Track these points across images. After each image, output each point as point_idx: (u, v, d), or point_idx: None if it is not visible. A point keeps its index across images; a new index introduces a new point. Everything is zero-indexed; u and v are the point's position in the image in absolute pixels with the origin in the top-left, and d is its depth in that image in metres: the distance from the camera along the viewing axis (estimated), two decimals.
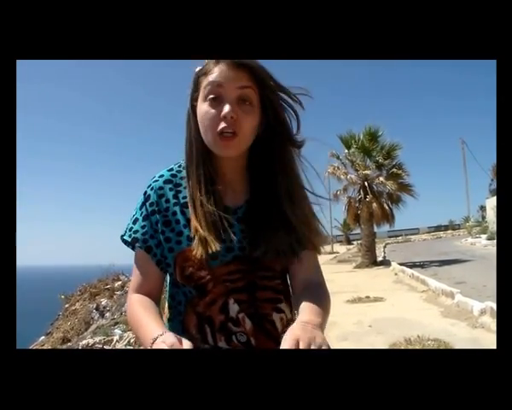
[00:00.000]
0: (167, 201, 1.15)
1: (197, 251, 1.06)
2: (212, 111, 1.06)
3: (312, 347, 0.88)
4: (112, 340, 7.41)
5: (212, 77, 1.07)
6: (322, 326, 1.00)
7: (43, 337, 11.88)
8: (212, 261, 1.08)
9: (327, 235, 1.29)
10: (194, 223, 1.09)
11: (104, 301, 12.59)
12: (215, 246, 1.06)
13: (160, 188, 1.16)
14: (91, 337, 8.25)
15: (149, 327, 1.01)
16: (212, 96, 1.07)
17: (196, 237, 1.07)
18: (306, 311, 1.03)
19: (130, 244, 1.17)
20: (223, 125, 1.05)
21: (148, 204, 1.15)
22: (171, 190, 1.16)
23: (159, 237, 1.14)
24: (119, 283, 13.79)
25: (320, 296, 1.11)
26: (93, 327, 10.57)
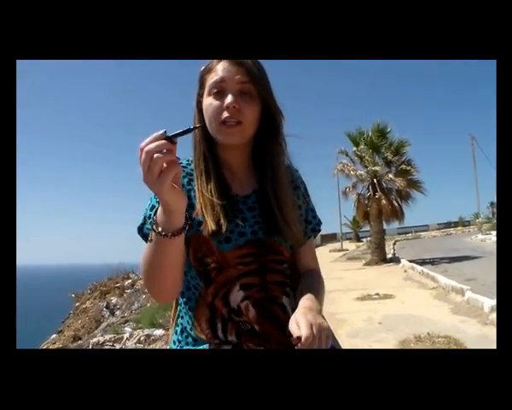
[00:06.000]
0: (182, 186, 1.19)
1: (205, 234, 1.11)
2: (216, 102, 1.14)
3: (315, 328, 0.96)
4: (122, 338, 7.46)
5: (215, 73, 1.15)
6: (321, 311, 1.13)
7: (54, 335, 11.99)
8: (226, 245, 1.13)
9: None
10: (201, 210, 1.14)
11: (114, 300, 12.68)
12: (222, 230, 1.11)
13: None
14: (102, 335, 8.31)
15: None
16: (215, 90, 1.14)
17: (204, 223, 1.12)
18: (306, 298, 1.12)
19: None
20: (226, 114, 1.12)
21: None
22: (184, 177, 1.21)
23: None
24: (129, 281, 13.89)
25: (316, 282, 1.25)
26: (103, 325, 10.65)
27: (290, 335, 0.99)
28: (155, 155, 0.84)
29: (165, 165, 0.86)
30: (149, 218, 1.16)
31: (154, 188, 0.88)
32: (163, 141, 0.85)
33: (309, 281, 1.24)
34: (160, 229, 0.97)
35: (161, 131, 0.86)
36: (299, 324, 0.98)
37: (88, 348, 7.30)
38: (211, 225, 1.11)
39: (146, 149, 0.84)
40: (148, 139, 0.85)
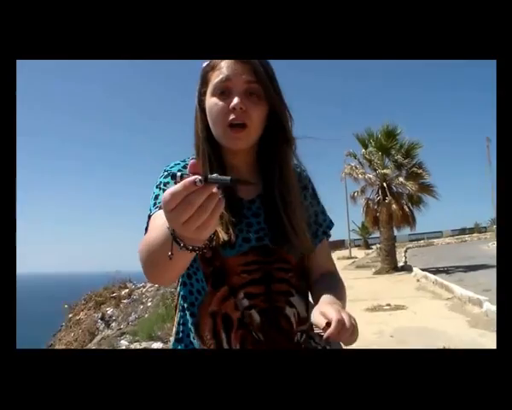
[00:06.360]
0: None
1: (215, 244, 1.07)
2: (221, 103, 1.12)
3: (344, 314, 0.97)
4: None
5: (220, 71, 1.13)
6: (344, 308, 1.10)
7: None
8: (230, 250, 1.12)
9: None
10: None
11: (110, 311, 12.64)
12: (232, 239, 1.09)
13: None
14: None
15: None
16: (220, 90, 1.13)
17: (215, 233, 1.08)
18: (328, 295, 1.12)
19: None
20: (232, 116, 1.11)
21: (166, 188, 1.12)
22: None
23: None
24: (126, 290, 13.85)
25: (335, 282, 1.24)
26: (98, 338, 10.60)
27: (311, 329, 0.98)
28: (203, 205, 0.72)
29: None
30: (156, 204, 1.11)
31: (202, 235, 0.76)
32: (208, 190, 0.72)
33: (327, 282, 1.22)
34: (181, 243, 0.81)
35: (197, 179, 0.71)
36: (326, 313, 0.97)
37: None
38: (223, 236, 1.08)
39: (191, 202, 0.71)
40: (181, 189, 0.71)
